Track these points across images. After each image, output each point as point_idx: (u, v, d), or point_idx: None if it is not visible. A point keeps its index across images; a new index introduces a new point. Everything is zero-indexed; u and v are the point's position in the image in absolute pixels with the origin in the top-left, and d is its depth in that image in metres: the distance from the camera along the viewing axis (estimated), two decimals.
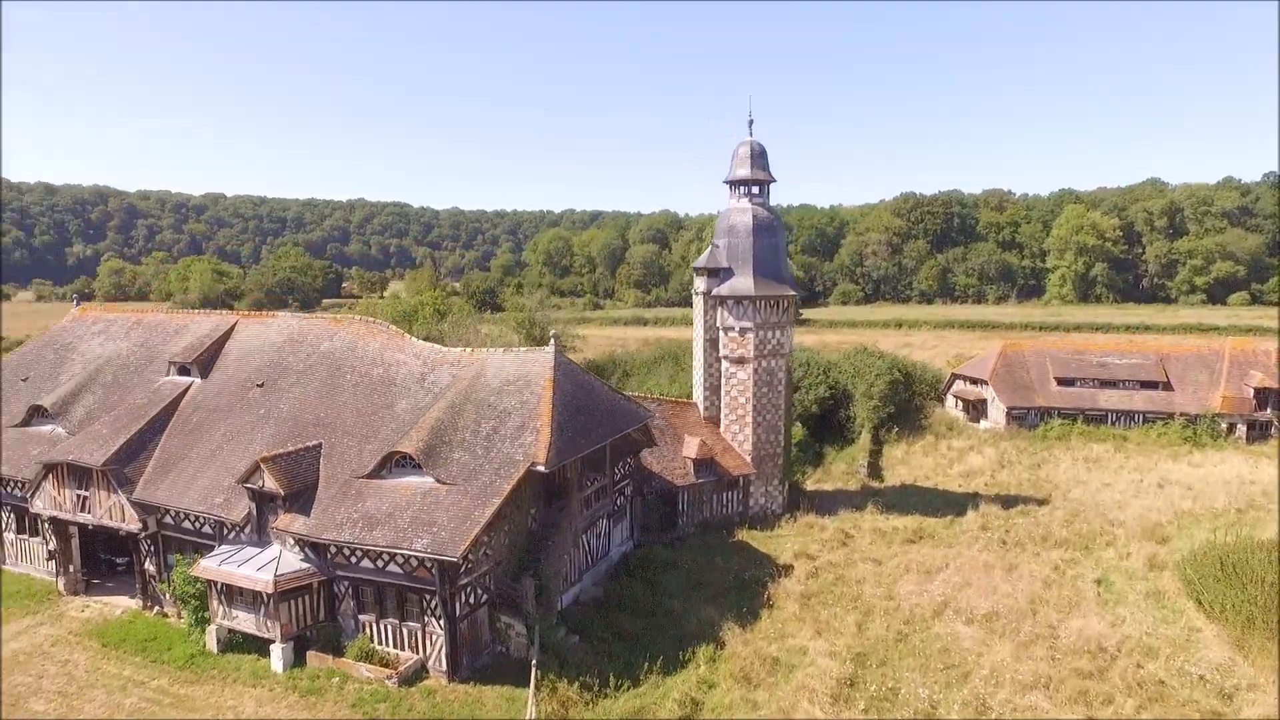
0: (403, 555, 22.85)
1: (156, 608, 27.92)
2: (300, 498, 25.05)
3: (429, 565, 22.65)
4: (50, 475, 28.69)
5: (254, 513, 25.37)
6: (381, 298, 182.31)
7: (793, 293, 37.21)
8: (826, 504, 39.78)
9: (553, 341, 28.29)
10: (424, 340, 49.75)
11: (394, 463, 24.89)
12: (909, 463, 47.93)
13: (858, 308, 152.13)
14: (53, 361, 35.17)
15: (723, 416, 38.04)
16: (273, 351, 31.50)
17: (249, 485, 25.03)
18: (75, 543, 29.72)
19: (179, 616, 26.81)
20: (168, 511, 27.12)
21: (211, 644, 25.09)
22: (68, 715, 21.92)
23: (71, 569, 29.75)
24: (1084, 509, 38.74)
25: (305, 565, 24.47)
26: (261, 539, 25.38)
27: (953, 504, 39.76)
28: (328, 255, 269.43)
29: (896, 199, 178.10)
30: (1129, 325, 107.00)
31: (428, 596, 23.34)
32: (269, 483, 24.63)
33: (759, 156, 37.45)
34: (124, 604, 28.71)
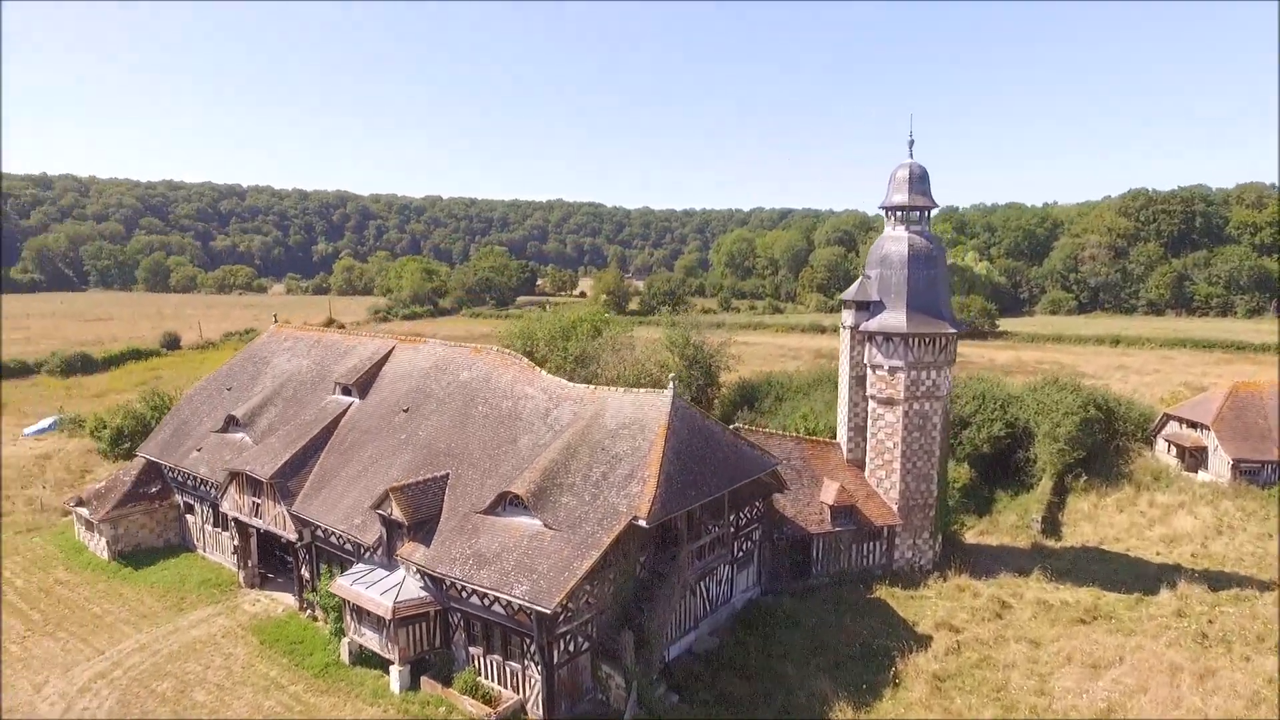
0: (504, 598, 23.28)
1: (309, 611, 30.71)
2: (423, 527, 26.35)
3: (528, 612, 22.90)
4: (234, 481, 32.51)
5: (384, 537, 27.06)
6: (570, 295, 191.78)
7: (952, 330, 33.66)
8: (986, 563, 35.78)
9: (671, 384, 27.56)
10: (576, 357, 51.58)
11: (507, 501, 25.45)
12: (1096, 519, 41.84)
13: (1069, 318, 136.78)
14: (251, 374, 39.93)
15: (867, 460, 35.33)
16: (420, 377, 33.51)
17: (380, 511, 26.74)
18: (254, 542, 33.45)
19: (324, 623, 29.29)
20: (318, 526, 29.70)
21: (344, 655, 27.15)
22: (220, 709, 24.63)
23: (250, 564, 33.55)
24: None
25: (424, 593, 25.71)
26: (390, 562, 27.02)
27: (1144, 578, 34.16)
28: (527, 253, 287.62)
29: (1123, 196, 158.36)
30: None
31: (528, 640, 23.63)
32: (396, 511, 26.15)
33: (919, 180, 34.21)
34: (287, 602, 31.89)
